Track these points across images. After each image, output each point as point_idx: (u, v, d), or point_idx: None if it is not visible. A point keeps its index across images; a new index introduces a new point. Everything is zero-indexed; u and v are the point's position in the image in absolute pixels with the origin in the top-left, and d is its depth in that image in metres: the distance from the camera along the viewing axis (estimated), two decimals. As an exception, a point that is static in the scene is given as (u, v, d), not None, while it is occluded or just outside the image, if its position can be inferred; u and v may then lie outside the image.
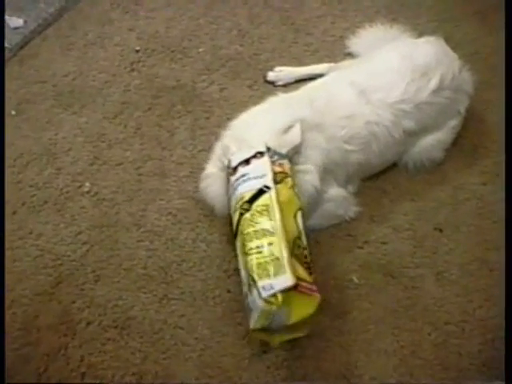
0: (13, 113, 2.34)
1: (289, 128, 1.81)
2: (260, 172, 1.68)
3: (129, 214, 2.07)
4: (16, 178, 2.15)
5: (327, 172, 1.92)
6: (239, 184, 1.69)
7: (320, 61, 2.46)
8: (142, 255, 1.98)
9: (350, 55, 2.47)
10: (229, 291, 1.91)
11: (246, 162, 1.72)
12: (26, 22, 2.58)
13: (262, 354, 1.81)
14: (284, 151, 1.76)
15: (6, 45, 2.49)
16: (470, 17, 2.67)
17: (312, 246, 1.96)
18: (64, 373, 1.77)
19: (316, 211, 1.96)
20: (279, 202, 1.62)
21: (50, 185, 2.14)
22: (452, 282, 1.95)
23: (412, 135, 2.04)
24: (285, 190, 1.67)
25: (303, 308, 1.55)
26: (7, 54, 2.49)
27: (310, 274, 1.61)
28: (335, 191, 1.98)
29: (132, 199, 2.10)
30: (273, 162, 1.70)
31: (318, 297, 1.57)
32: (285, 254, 1.54)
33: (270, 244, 1.56)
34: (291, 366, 1.79)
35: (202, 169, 2.04)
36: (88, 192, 2.12)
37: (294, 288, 1.51)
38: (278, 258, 1.53)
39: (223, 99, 2.37)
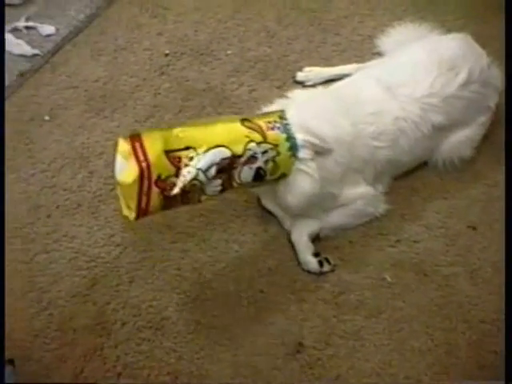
0: (46, 118, 2.38)
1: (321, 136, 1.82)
2: None
3: (161, 216, 2.06)
4: (50, 182, 2.19)
5: (355, 171, 1.94)
6: None
7: (348, 60, 2.47)
8: (175, 256, 1.99)
9: (379, 54, 2.46)
10: (262, 291, 1.92)
11: None
12: (57, 29, 2.63)
13: (295, 354, 1.81)
14: (300, 136, 1.77)
15: (39, 52, 2.54)
16: (497, 14, 2.64)
17: (344, 246, 2.00)
18: (100, 373, 1.79)
19: (344, 210, 1.99)
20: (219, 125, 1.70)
21: (84, 188, 2.17)
22: (486, 280, 1.93)
23: (441, 130, 2.03)
24: (240, 131, 1.69)
25: (128, 172, 1.58)
26: (39, 61, 2.54)
27: (176, 175, 1.61)
28: (363, 190, 1.98)
29: (164, 201, 2.12)
30: (269, 122, 1.74)
31: (137, 170, 1.56)
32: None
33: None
34: (325, 365, 1.79)
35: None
36: (121, 195, 2.14)
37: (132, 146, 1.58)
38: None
39: (253, 100, 2.39)
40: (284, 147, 1.75)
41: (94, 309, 1.90)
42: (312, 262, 1.93)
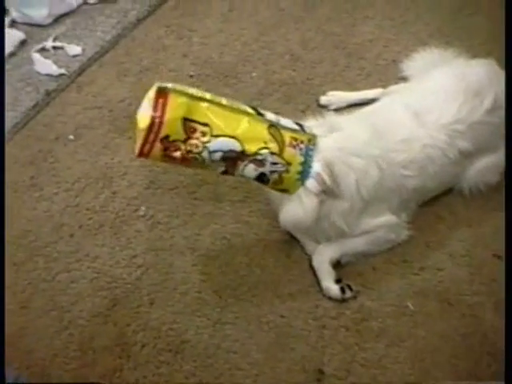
0: (71, 137, 2.40)
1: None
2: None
3: (183, 238, 2.09)
4: (73, 202, 2.20)
5: (380, 200, 1.92)
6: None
7: (373, 85, 2.46)
8: (197, 279, 1.99)
9: (404, 79, 2.45)
10: (283, 316, 1.90)
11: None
12: (84, 49, 2.66)
13: (315, 382, 1.79)
14: (316, 167, 1.76)
15: (65, 72, 2.57)
16: (523, 38, 2.64)
17: (367, 272, 1.99)
18: (119, 395, 1.79)
19: (366, 237, 1.97)
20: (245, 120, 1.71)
21: (107, 208, 2.18)
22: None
23: (467, 156, 2.02)
24: (262, 135, 1.71)
25: (143, 118, 1.63)
26: (66, 81, 2.57)
27: (184, 141, 1.66)
28: (386, 218, 1.96)
29: (187, 223, 2.12)
30: (295, 139, 1.75)
31: (148, 122, 1.62)
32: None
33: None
34: (345, 394, 1.77)
35: (257, 194, 2.09)
36: (143, 216, 2.15)
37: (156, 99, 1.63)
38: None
39: (276, 124, 2.38)
40: (295, 169, 1.75)
41: (115, 330, 1.90)
42: (334, 289, 1.91)
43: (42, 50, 2.66)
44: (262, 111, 1.76)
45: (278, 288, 1.96)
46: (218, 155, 1.68)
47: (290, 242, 2.05)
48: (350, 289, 1.92)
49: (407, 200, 2.00)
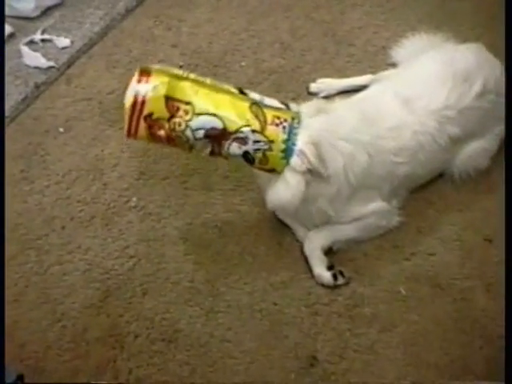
0: (61, 130, 2.39)
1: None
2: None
3: (175, 228, 2.09)
4: (64, 194, 2.20)
5: (370, 187, 1.93)
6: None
7: (363, 71, 2.46)
8: (189, 268, 1.99)
9: (393, 65, 2.45)
10: (275, 304, 1.91)
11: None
12: (72, 41, 2.65)
13: (309, 368, 1.79)
14: (299, 145, 1.74)
15: (54, 64, 2.56)
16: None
17: (359, 258, 1.99)
18: (113, 386, 1.79)
19: (357, 223, 1.98)
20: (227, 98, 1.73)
21: (98, 200, 2.18)
22: (503, 293, 1.89)
23: (457, 142, 2.02)
24: (244, 112, 1.72)
25: (128, 97, 1.70)
26: (55, 74, 2.56)
27: (168, 120, 1.69)
28: (376, 205, 1.97)
29: (178, 213, 2.12)
30: (277, 117, 1.74)
31: (131, 101, 1.68)
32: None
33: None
34: (338, 380, 1.77)
35: (248, 182, 2.09)
36: (135, 207, 2.15)
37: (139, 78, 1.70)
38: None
39: (267, 112, 2.38)
40: (278, 147, 1.73)
41: (108, 321, 1.90)
42: (326, 276, 1.92)
43: (31, 43, 2.65)
44: (246, 91, 1.78)
45: (270, 276, 1.96)
46: (200, 133, 1.70)
47: (282, 229, 2.06)
48: (342, 275, 1.93)
49: (398, 187, 2.00)
